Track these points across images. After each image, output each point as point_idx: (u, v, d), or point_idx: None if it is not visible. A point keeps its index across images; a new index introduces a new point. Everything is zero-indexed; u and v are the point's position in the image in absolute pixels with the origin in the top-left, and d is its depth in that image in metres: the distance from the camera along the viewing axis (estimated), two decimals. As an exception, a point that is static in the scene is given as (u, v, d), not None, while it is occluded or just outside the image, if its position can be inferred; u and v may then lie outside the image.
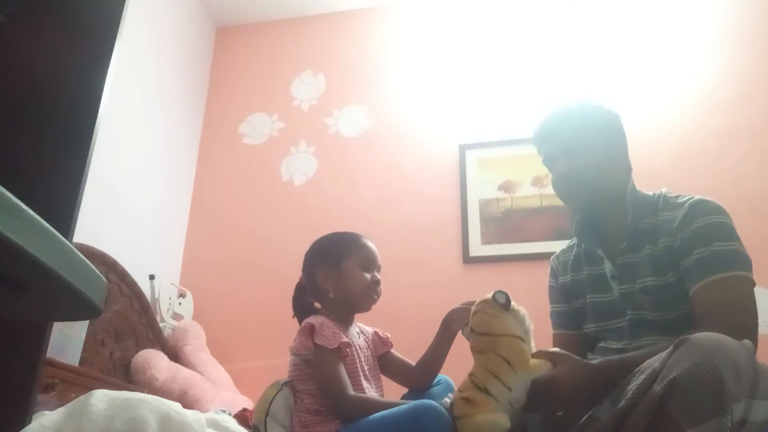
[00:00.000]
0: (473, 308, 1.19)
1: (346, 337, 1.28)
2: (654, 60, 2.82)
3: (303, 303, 1.39)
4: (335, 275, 1.34)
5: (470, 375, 1.13)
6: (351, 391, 1.19)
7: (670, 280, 1.19)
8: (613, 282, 1.29)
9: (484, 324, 1.14)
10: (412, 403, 1.11)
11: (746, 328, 0.99)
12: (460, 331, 1.28)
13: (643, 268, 1.23)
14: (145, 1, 2.72)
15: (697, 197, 1.23)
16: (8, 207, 0.46)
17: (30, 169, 0.94)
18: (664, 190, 1.31)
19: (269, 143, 3.19)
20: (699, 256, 1.14)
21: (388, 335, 1.44)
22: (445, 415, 1.07)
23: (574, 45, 2.92)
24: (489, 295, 1.17)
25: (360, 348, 1.33)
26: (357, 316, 1.40)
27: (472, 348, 1.16)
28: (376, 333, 1.43)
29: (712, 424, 0.81)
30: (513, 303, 1.15)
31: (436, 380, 1.38)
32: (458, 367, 1.20)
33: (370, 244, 1.39)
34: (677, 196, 1.27)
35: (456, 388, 1.17)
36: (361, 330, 1.41)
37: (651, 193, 1.32)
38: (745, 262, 1.14)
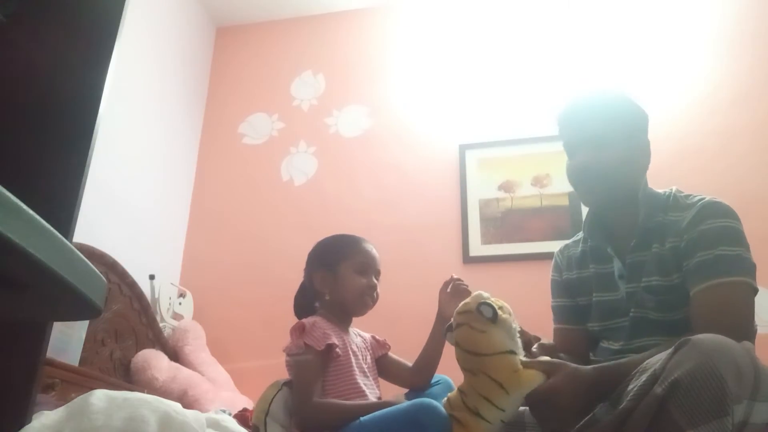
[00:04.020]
0: (456, 318, 1.12)
1: (342, 337, 1.29)
2: (654, 60, 2.82)
3: (304, 303, 1.40)
4: (331, 278, 1.35)
5: (460, 392, 1.10)
6: (316, 398, 1.18)
7: (675, 281, 1.18)
8: (621, 281, 1.28)
9: (471, 342, 1.07)
10: (410, 401, 1.12)
11: (741, 334, 0.98)
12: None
13: (650, 267, 1.22)
14: (145, 1, 2.72)
15: (708, 198, 1.21)
16: (8, 207, 0.46)
17: (30, 169, 0.94)
18: (674, 188, 1.29)
19: (269, 143, 3.19)
20: (702, 258, 1.12)
21: (385, 339, 1.44)
22: (443, 414, 1.07)
23: (574, 45, 2.92)
24: (470, 302, 1.10)
25: (358, 348, 1.34)
26: (356, 319, 1.41)
27: (459, 363, 1.11)
28: (373, 337, 1.43)
29: (713, 426, 0.80)
30: (498, 311, 1.07)
31: (435, 380, 1.38)
32: (458, 366, 1.20)
33: (369, 248, 1.39)
34: (688, 196, 1.25)
35: (445, 399, 1.13)
36: (358, 333, 1.41)
37: (662, 191, 1.29)
38: (748, 269, 1.11)
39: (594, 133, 1.28)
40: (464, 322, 1.09)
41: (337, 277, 1.34)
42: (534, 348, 1.20)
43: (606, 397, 1.02)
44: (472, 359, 1.07)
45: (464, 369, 1.10)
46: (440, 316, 1.38)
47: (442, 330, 1.34)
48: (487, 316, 1.07)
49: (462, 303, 1.13)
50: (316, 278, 1.37)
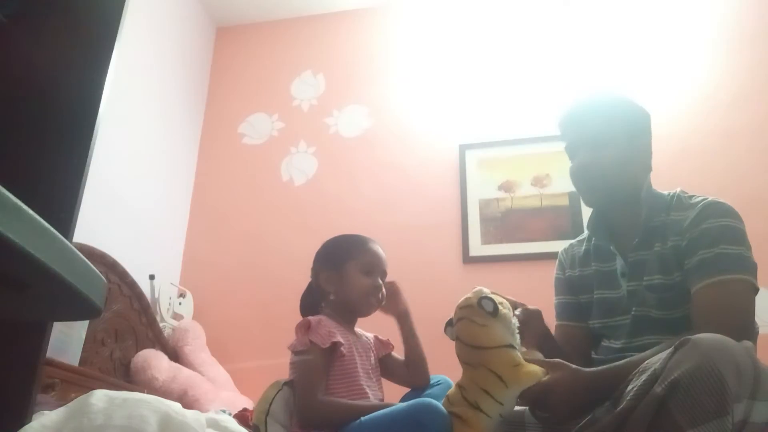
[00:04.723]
0: (457, 312, 1.13)
1: (347, 337, 1.29)
2: (654, 60, 2.82)
3: (310, 302, 1.40)
4: (337, 278, 1.35)
5: (459, 387, 1.10)
6: (320, 396, 1.18)
7: (676, 280, 1.18)
8: (623, 279, 1.29)
9: (472, 335, 1.09)
10: (411, 401, 1.12)
11: (741, 332, 0.98)
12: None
13: (652, 265, 1.22)
14: (145, 1, 2.72)
15: (711, 198, 1.21)
16: (8, 207, 0.46)
17: (30, 169, 0.94)
18: (679, 189, 1.30)
19: (269, 143, 3.19)
20: (703, 257, 1.13)
21: (389, 339, 1.44)
22: (444, 414, 1.07)
23: (574, 45, 2.93)
24: (471, 296, 1.12)
25: (363, 348, 1.34)
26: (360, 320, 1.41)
27: (459, 357, 1.12)
28: (376, 337, 1.43)
29: (714, 425, 0.80)
30: (498, 305, 1.09)
31: (435, 380, 1.38)
32: (459, 367, 1.19)
33: (376, 249, 1.39)
34: (691, 196, 1.26)
35: (445, 397, 1.14)
36: (362, 333, 1.41)
37: (666, 192, 1.30)
38: (749, 268, 1.12)
39: (594, 134, 1.29)
40: (465, 316, 1.10)
41: (342, 277, 1.34)
42: (517, 312, 1.20)
43: (604, 399, 1.02)
44: (472, 352, 1.08)
45: (464, 363, 1.11)
46: (396, 316, 1.41)
47: (409, 329, 1.39)
48: (487, 310, 1.08)
49: (463, 298, 1.14)
50: (322, 277, 1.37)
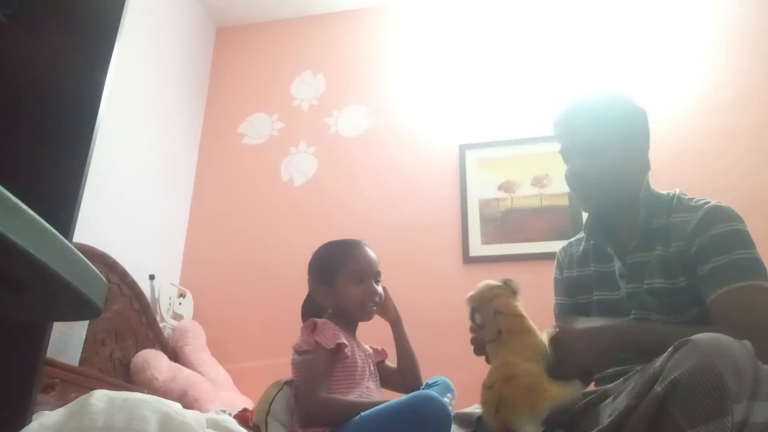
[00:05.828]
0: (487, 293, 1.14)
1: (349, 340, 1.30)
2: (654, 60, 2.82)
3: (310, 310, 1.41)
4: (331, 292, 1.36)
5: (518, 353, 1.07)
6: (322, 393, 1.19)
7: (681, 285, 1.17)
8: (622, 281, 1.28)
9: (513, 306, 1.12)
10: (410, 394, 1.13)
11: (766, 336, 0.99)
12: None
13: (652, 268, 1.21)
14: (145, 1, 2.72)
15: (713, 202, 1.21)
16: (8, 207, 0.46)
17: (30, 169, 0.94)
18: (678, 190, 1.29)
19: (269, 143, 3.19)
20: (716, 264, 1.12)
21: (383, 348, 1.45)
22: (444, 405, 1.07)
23: (574, 45, 2.92)
24: (492, 281, 1.15)
25: (364, 353, 1.36)
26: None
27: (503, 328, 1.10)
28: (371, 347, 1.44)
29: (713, 425, 0.80)
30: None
31: (433, 380, 1.38)
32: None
33: (363, 253, 1.38)
34: (691, 199, 1.25)
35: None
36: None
37: (665, 192, 1.29)
38: (762, 271, 1.12)
39: (588, 140, 1.27)
40: (500, 294, 1.14)
41: (335, 291, 1.35)
42: None
43: (612, 356, 1.04)
44: (517, 320, 1.11)
45: (508, 330, 1.10)
46: (389, 321, 1.44)
47: (402, 335, 1.42)
48: (514, 288, 1.14)
49: (485, 286, 1.16)
50: (317, 294, 1.39)
